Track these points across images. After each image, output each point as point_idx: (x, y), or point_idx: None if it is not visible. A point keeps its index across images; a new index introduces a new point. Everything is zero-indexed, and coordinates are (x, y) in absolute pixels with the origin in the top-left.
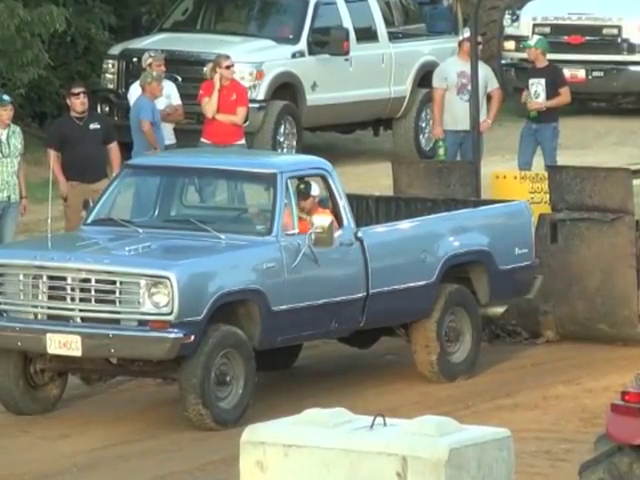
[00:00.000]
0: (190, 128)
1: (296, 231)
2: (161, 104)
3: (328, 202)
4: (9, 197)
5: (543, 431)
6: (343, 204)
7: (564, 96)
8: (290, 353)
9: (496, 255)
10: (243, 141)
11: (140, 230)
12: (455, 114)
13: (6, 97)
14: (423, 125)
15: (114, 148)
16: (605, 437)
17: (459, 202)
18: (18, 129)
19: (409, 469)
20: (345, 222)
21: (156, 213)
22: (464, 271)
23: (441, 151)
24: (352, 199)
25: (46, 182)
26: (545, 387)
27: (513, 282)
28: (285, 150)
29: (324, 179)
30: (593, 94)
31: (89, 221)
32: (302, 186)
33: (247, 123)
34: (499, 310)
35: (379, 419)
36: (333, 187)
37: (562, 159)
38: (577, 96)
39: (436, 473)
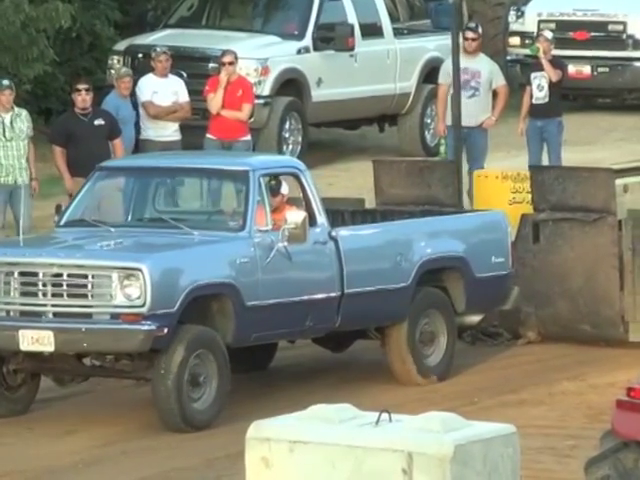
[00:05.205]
0: (196, 124)
1: (269, 227)
2: (168, 101)
3: (301, 202)
4: (15, 181)
5: (549, 427)
6: (316, 203)
7: (557, 74)
8: (267, 354)
9: (472, 262)
10: (249, 137)
11: (112, 229)
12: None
13: (5, 81)
14: (428, 121)
15: (118, 143)
16: (610, 433)
17: (436, 213)
18: (24, 112)
19: (414, 465)
20: (319, 220)
21: (129, 213)
22: (440, 279)
23: (442, 149)
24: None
25: (51, 178)
26: (550, 383)
27: (489, 291)
28: (291, 146)
29: (297, 178)
30: (598, 90)
31: (62, 223)
32: (272, 182)
33: (252, 119)
34: (475, 319)
35: (385, 415)
36: (306, 186)
37: (567, 155)
38: (582, 92)
39: (441, 469)
